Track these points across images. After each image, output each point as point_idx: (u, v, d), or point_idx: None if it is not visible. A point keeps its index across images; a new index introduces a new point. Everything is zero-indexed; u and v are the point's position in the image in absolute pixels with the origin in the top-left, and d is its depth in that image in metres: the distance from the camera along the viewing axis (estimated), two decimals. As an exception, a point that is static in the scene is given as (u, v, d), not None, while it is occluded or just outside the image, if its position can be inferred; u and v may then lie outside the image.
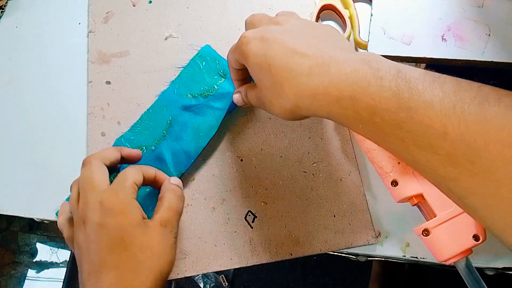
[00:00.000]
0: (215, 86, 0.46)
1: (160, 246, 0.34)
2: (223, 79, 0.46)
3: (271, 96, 0.32)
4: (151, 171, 0.39)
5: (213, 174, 0.45)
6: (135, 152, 0.41)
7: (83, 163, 0.37)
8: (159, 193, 0.39)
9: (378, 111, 0.25)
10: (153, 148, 0.45)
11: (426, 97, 0.24)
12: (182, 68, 0.48)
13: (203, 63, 0.47)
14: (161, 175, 0.40)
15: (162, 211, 0.36)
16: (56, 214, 0.44)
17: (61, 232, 0.38)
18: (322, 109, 0.29)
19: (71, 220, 0.37)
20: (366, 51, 0.37)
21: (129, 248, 0.33)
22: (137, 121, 0.46)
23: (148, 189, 0.43)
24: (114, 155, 0.39)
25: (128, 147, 0.45)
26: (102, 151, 0.38)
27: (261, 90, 0.33)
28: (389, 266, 1.01)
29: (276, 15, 0.37)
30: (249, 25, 0.37)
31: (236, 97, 0.40)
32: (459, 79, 0.25)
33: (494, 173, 0.22)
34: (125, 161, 0.41)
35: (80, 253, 0.34)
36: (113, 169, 0.40)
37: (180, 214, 0.37)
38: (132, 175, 0.36)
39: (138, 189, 0.37)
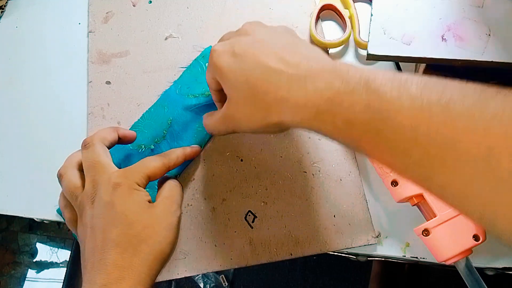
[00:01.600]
0: None
1: (162, 227, 0.35)
2: None
3: (250, 109, 0.32)
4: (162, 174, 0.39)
5: (213, 174, 0.45)
6: (129, 133, 0.42)
7: (84, 145, 0.38)
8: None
9: (354, 123, 0.27)
10: (152, 147, 0.45)
11: (396, 104, 0.25)
12: (185, 69, 0.48)
13: (206, 64, 0.47)
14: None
15: (163, 194, 0.37)
16: (57, 211, 0.44)
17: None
18: (304, 122, 0.30)
19: (70, 204, 0.37)
20: (342, 61, 0.37)
21: (132, 227, 0.34)
22: (139, 119, 0.46)
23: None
24: (112, 135, 0.39)
25: (129, 146, 0.45)
26: (101, 132, 0.39)
27: (236, 104, 0.33)
28: (389, 266, 1.01)
29: (242, 26, 0.38)
30: (219, 41, 0.38)
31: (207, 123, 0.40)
32: (425, 78, 0.26)
33: (462, 168, 0.23)
34: (121, 141, 0.41)
35: (84, 231, 0.35)
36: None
37: (181, 197, 0.39)
38: (148, 167, 0.37)
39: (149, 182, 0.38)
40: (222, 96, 0.38)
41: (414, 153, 0.24)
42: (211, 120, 0.38)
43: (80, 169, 0.38)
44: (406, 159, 0.25)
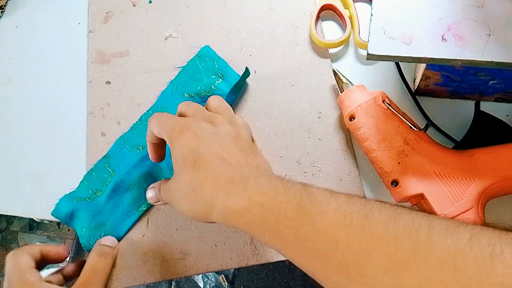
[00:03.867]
0: (213, 87, 0.46)
1: None
2: (220, 80, 0.46)
3: (187, 190, 0.33)
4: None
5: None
6: (55, 252, 0.40)
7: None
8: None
9: (283, 219, 0.28)
10: None
11: (322, 208, 0.27)
12: (181, 68, 0.48)
13: (202, 64, 0.47)
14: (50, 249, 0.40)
15: (82, 274, 0.37)
16: (52, 213, 0.44)
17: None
18: (233, 214, 0.30)
19: None
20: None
21: None
22: (137, 121, 0.46)
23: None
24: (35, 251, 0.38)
25: (127, 147, 0.45)
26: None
27: (176, 182, 0.34)
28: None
29: (209, 103, 0.39)
30: (181, 112, 0.38)
31: (150, 194, 0.39)
32: (351, 194, 0.28)
33: (377, 282, 0.23)
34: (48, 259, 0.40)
35: None
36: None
37: (105, 272, 0.38)
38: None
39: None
40: (158, 149, 0.40)
41: (333, 258, 0.25)
42: (162, 188, 0.37)
43: None
44: (326, 264, 0.26)
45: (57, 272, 0.40)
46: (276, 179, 0.30)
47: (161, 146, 0.40)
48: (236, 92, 0.46)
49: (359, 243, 0.24)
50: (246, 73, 0.45)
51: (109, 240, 0.41)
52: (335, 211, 0.26)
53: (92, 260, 0.38)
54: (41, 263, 0.39)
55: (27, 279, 0.35)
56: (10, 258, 0.37)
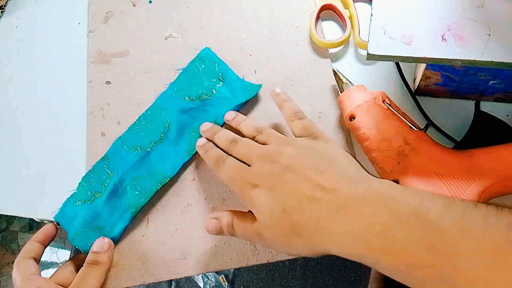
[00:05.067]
0: (213, 90, 0.46)
1: None
2: (221, 83, 0.46)
3: (288, 237, 0.31)
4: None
5: (213, 174, 0.45)
6: (46, 230, 0.43)
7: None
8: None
9: (417, 266, 0.24)
10: (149, 150, 0.45)
11: (460, 247, 0.23)
12: (182, 70, 0.48)
13: (202, 66, 0.47)
14: None
15: (71, 285, 0.38)
16: (54, 217, 0.44)
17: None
18: (353, 256, 0.28)
19: None
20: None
21: None
22: (135, 122, 0.46)
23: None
24: (34, 248, 0.42)
25: (125, 148, 0.45)
26: (23, 250, 0.41)
27: (269, 228, 0.32)
28: (389, 266, 1.01)
29: (262, 132, 0.38)
30: (244, 152, 0.36)
31: (211, 226, 0.37)
32: (485, 215, 0.24)
33: None
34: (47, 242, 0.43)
35: None
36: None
37: (94, 281, 0.39)
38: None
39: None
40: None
41: None
42: (239, 226, 0.35)
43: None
44: None
45: (68, 263, 0.42)
46: (380, 208, 0.27)
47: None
48: (244, 103, 0.46)
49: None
50: (257, 89, 0.46)
51: (99, 246, 0.41)
52: (476, 251, 0.23)
53: (82, 270, 0.39)
54: (44, 249, 0.42)
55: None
56: (15, 268, 0.39)
